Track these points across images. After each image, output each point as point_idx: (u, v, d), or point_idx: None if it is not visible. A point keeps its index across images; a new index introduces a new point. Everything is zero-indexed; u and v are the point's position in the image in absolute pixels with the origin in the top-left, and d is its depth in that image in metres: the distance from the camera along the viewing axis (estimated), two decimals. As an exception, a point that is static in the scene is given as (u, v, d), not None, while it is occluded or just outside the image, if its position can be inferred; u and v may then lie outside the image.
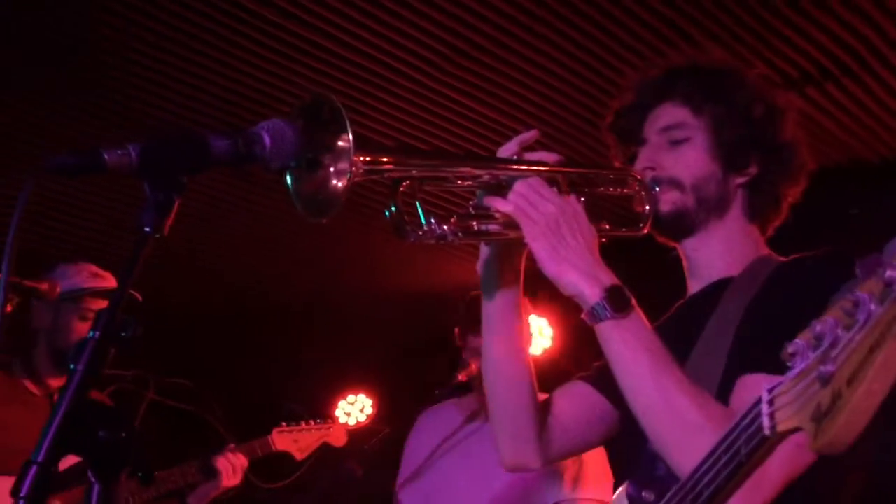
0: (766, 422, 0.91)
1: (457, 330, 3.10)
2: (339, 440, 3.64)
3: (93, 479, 1.09)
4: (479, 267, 1.59)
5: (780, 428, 0.89)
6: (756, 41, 3.12)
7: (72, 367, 1.08)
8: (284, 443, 3.47)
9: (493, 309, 1.58)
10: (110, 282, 2.91)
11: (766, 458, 0.95)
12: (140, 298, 2.83)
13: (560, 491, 2.88)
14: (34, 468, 1.01)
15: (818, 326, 0.82)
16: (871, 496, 1.38)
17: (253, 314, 5.45)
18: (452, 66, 3.32)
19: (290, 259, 4.94)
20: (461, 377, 3.03)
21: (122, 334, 1.12)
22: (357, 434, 5.42)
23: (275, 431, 3.48)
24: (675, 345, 1.41)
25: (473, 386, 3.04)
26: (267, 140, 1.24)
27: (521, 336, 1.59)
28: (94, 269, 2.92)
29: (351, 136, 1.24)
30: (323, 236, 4.61)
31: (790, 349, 0.86)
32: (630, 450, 1.51)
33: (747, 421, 0.94)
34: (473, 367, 3.03)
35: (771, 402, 0.90)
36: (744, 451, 0.95)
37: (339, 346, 5.51)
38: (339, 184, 1.26)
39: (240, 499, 3.61)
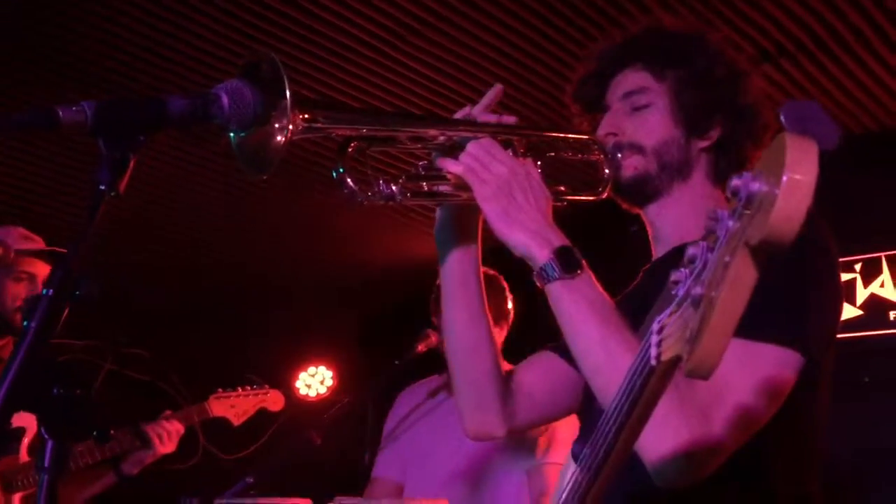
0: (653, 351, 0.91)
1: (432, 307, 3.11)
2: (275, 405, 3.64)
3: (46, 436, 1.09)
4: (435, 231, 1.59)
5: (664, 356, 0.89)
6: (730, 11, 3.12)
7: (25, 323, 1.07)
8: (221, 408, 3.46)
9: (450, 274, 1.58)
10: (40, 244, 2.88)
11: (661, 390, 0.95)
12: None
13: (533, 457, 2.92)
14: (-14, 425, 1.01)
15: (691, 250, 0.83)
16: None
17: (213, 285, 5.42)
18: (415, 37, 3.30)
19: (250, 230, 4.91)
20: (420, 348, 3.05)
21: (77, 293, 1.12)
22: (317, 406, 5.46)
23: (211, 398, 3.46)
24: (634, 310, 1.41)
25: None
26: (225, 101, 1.24)
27: (481, 302, 1.59)
28: (23, 231, 2.88)
29: (288, 92, 1.23)
30: (285, 206, 4.59)
31: (674, 277, 0.86)
32: (582, 412, 1.53)
33: (642, 353, 0.95)
34: (433, 338, 3.06)
35: (659, 332, 0.91)
36: (638, 383, 0.95)
37: (300, 318, 5.50)
38: (279, 140, 1.26)
39: (200, 468, 3.61)
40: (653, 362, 0.91)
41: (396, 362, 3.07)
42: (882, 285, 4.11)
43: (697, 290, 0.80)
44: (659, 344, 0.90)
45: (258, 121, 1.26)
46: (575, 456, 1.34)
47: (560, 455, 2.88)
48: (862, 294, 4.13)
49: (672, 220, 1.55)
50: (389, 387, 3.22)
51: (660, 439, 1.15)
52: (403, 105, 3.71)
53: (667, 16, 1.65)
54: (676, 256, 1.48)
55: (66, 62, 3.42)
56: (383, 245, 5.11)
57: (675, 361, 0.88)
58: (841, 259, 1.40)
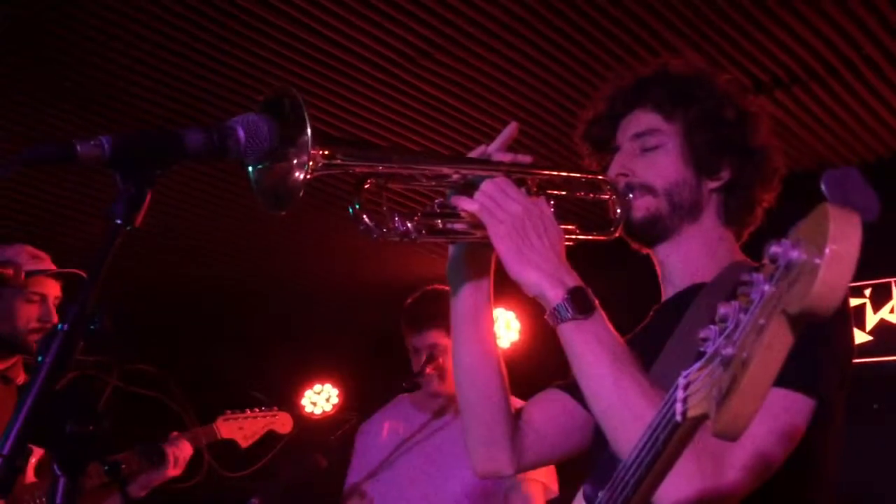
0: (678, 407, 0.91)
1: (403, 327, 3.11)
2: (284, 427, 3.64)
3: (58, 473, 1.08)
4: (447, 268, 1.59)
5: (691, 413, 0.89)
6: (728, 45, 3.15)
7: (39, 359, 1.07)
8: (230, 430, 3.45)
9: (461, 311, 1.58)
10: (49, 264, 2.88)
11: (684, 445, 0.94)
12: (85, 276, 2.80)
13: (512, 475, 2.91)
14: (-1, 460, 1.00)
15: (722, 309, 0.83)
16: None
17: (219, 302, 5.42)
18: (428, 61, 3.31)
19: (258, 248, 4.92)
20: (429, 370, 3.04)
21: (91, 327, 1.12)
22: (323, 424, 5.44)
23: (220, 419, 3.46)
24: (644, 351, 1.41)
25: (423, 383, 3.06)
26: (241, 134, 1.24)
27: (492, 338, 1.58)
28: (31, 250, 2.88)
29: (309, 130, 1.23)
30: (293, 226, 4.60)
31: (702, 334, 0.86)
32: (593, 452, 1.52)
33: (666, 407, 0.94)
34: (441, 360, 3.05)
35: (685, 388, 0.91)
36: (661, 437, 0.95)
37: (307, 336, 5.50)
38: (298, 177, 1.26)
39: (202, 487, 3.60)
40: (678, 418, 0.90)
41: (404, 384, 3.06)
42: (892, 311, 4.09)
43: (729, 351, 0.80)
44: (685, 400, 0.90)
45: (274, 155, 1.26)
46: (587, 498, 1.33)
47: (538, 472, 2.87)
48: (872, 320, 4.11)
49: (682, 260, 1.55)
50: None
51: (673, 486, 1.14)
52: (412, 126, 3.72)
53: (680, 50, 1.65)
54: (687, 298, 1.51)
55: (89, 95, 3.44)
56: (390, 263, 5.12)
57: (701, 419, 0.87)
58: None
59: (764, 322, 0.77)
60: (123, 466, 2.92)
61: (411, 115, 3.66)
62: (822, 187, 0.81)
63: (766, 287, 0.77)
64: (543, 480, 2.92)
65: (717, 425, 0.79)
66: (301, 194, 1.27)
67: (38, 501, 2.79)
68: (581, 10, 3.00)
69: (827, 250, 0.72)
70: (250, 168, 1.29)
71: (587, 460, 1.56)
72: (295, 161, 1.26)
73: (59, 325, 1.08)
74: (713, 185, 1.55)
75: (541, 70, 3.35)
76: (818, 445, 1.34)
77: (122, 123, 3.55)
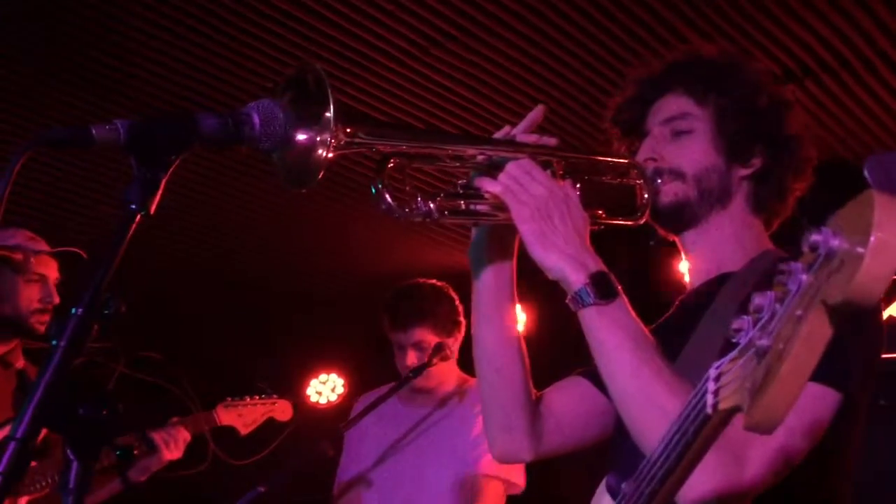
0: (709, 399, 0.89)
1: (385, 322, 3.11)
2: (284, 415, 3.64)
3: (71, 457, 1.08)
4: (469, 250, 1.57)
5: (722, 406, 0.87)
6: (740, 36, 3.12)
7: (53, 342, 1.07)
8: (229, 417, 3.45)
9: (483, 294, 1.56)
10: (45, 245, 2.87)
11: (714, 437, 0.93)
12: (85, 256, 2.81)
13: (466, 462, 2.93)
14: (13, 444, 1.00)
15: (757, 299, 0.81)
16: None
17: (224, 291, 5.42)
18: (440, 51, 3.29)
19: (264, 237, 4.91)
20: (435, 361, 3.05)
21: (105, 311, 1.12)
22: (328, 413, 5.45)
23: (220, 406, 3.46)
24: (669, 341, 1.39)
25: (402, 373, 3.06)
26: (256, 121, 1.24)
27: (514, 323, 1.56)
28: (28, 233, 2.87)
29: (332, 107, 1.23)
30: (301, 215, 4.59)
31: (735, 325, 0.84)
32: (615, 441, 1.50)
33: (696, 399, 0.93)
34: (448, 351, 3.05)
35: (717, 379, 0.89)
36: (691, 430, 0.93)
37: (312, 325, 5.49)
38: (321, 154, 1.25)
39: (208, 475, 3.60)
40: (709, 410, 0.89)
41: (410, 374, 3.06)
42: (900, 307, 4.07)
43: (764, 342, 0.78)
44: (716, 392, 0.88)
45: (288, 142, 1.25)
46: (611, 490, 1.32)
47: (501, 469, 2.86)
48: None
49: (709, 248, 1.53)
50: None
51: (695, 480, 1.13)
52: (424, 117, 3.70)
53: (698, 39, 1.64)
54: (715, 287, 1.49)
55: (108, 77, 3.42)
56: (396, 253, 5.10)
57: (733, 412, 0.86)
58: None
59: (802, 313, 0.74)
60: (136, 451, 2.93)
61: (423, 106, 3.64)
62: (865, 172, 0.80)
63: (804, 277, 0.75)
64: (504, 477, 2.92)
65: (751, 418, 0.77)
66: (322, 171, 1.26)
67: (38, 484, 2.79)
68: (597, 1, 2.98)
69: (872, 238, 0.69)
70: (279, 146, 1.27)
71: (609, 450, 1.54)
72: (318, 138, 1.25)
73: (73, 310, 1.08)
74: (744, 172, 1.53)
75: (555, 62, 3.33)
76: (842, 440, 1.33)
77: (133, 107, 3.54)
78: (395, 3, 3.04)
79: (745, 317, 0.83)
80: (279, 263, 5.19)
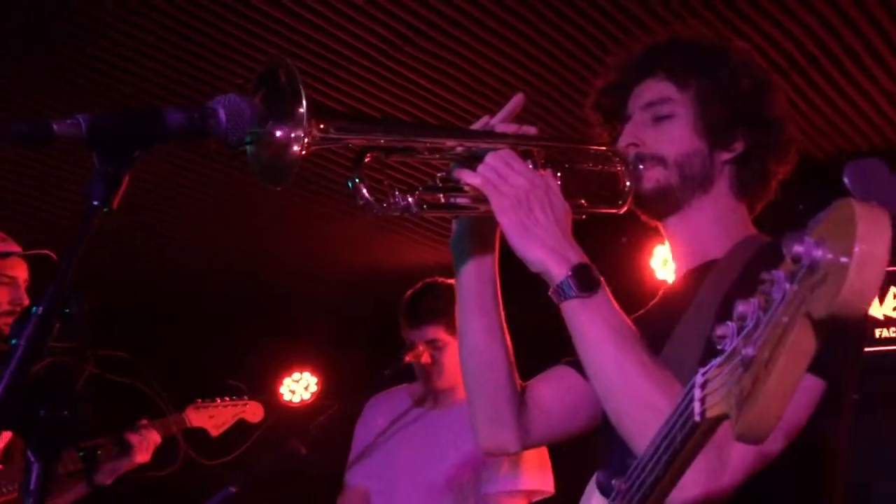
0: (696, 407, 0.88)
1: (401, 320, 3.08)
2: (255, 416, 3.62)
3: (33, 459, 1.06)
4: (451, 243, 1.55)
5: (710, 414, 0.86)
6: (744, 23, 3.09)
7: (13, 342, 1.04)
8: (200, 419, 3.43)
9: (466, 286, 1.54)
10: (15, 246, 2.82)
11: (702, 444, 0.92)
12: (55, 258, 2.76)
13: (496, 481, 2.86)
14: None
15: (741, 307, 0.80)
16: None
17: (196, 289, 5.36)
18: (409, 46, 3.27)
19: (236, 233, 4.87)
20: (408, 359, 3.02)
21: (67, 310, 1.09)
22: (302, 412, 5.41)
23: (190, 408, 3.44)
24: (654, 331, 1.38)
25: (417, 373, 3.04)
26: (223, 115, 1.22)
27: (498, 314, 1.55)
28: None
29: (304, 102, 1.21)
30: (272, 211, 4.55)
31: (719, 331, 0.83)
32: (605, 437, 1.47)
33: (683, 405, 0.92)
34: (421, 348, 3.03)
35: (703, 386, 0.88)
36: (679, 437, 0.92)
37: (285, 323, 5.45)
38: (294, 151, 1.23)
39: (179, 476, 3.56)
40: (696, 418, 0.88)
41: (386, 372, 3.04)
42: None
43: (749, 351, 0.77)
44: (703, 400, 0.88)
45: (268, 130, 1.24)
46: (601, 487, 1.31)
47: (526, 482, 2.83)
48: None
49: (693, 233, 1.52)
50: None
51: (684, 484, 1.10)
52: (398, 114, 3.68)
53: (682, 26, 1.62)
54: (699, 275, 1.47)
55: (73, 71, 3.38)
56: (370, 251, 5.08)
57: (720, 419, 0.85)
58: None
59: (787, 322, 0.74)
60: (100, 452, 2.89)
61: (396, 103, 3.63)
62: (845, 180, 0.79)
63: (788, 286, 0.74)
64: (539, 489, 2.88)
65: (739, 428, 0.77)
66: (296, 168, 1.24)
67: (4, 489, 2.75)
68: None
69: (856, 250, 0.68)
70: (248, 142, 1.26)
71: (597, 444, 1.53)
72: (292, 134, 1.23)
73: (34, 309, 1.06)
74: (726, 156, 1.51)
75: (528, 59, 3.32)
76: (826, 432, 1.31)
77: (108, 105, 3.49)
78: (368, 1, 3.02)
79: (729, 323, 0.83)
80: (252, 260, 5.15)
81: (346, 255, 5.11)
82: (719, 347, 0.84)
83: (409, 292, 3.06)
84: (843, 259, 0.68)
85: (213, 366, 5.19)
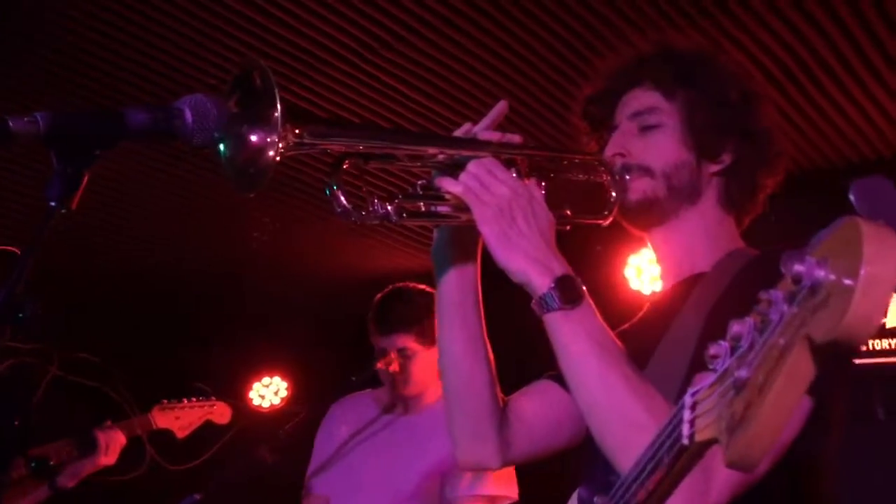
0: (685, 429, 0.85)
1: (370, 326, 3.04)
2: (222, 418, 3.56)
3: (-21, 469, 1.01)
4: (432, 252, 1.52)
5: (699, 437, 0.83)
6: (724, 38, 3.08)
7: (-39, 348, 1.00)
8: (165, 420, 3.37)
9: (447, 297, 1.51)
10: None
11: (690, 468, 0.89)
12: (18, 252, 2.69)
13: (459, 487, 2.84)
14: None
15: (736, 327, 0.77)
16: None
17: (166, 289, 5.29)
18: (388, 50, 3.24)
19: (207, 235, 4.80)
20: (379, 365, 2.98)
21: (20, 315, 1.05)
22: (272, 418, 5.35)
23: (155, 408, 3.38)
24: (639, 345, 1.36)
25: (383, 379, 3.00)
26: (188, 116, 1.19)
27: (479, 326, 1.52)
28: None
29: (279, 106, 1.18)
30: (244, 211, 4.50)
31: (712, 350, 0.80)
32: (588, 453, 1.45)
33: (671, 427, 0.89)
34: (392, 355, 2.99)
35: (693, 408, 0.85)
36: (665, 459, 0.89)
37: (256, 327, 5.40)
38: (269, 156, 1.20)
39: (144, 480, 3.50)
40: (685, 441, 0.85)
41: (353, 378, 3.00)
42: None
43: (743, 374, 0.74)
44: (692, 422, 0.84)
45: (227, 136, 1.20)
46: (582, 502, 1.29)
47: (489, 487, 2.81)
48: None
49: (680, 246, 1.50)
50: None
51: None
52: (375, 120, 3.65)
53: (668, 34, 1.61)
54: (685, 288, 1.45)
55: (39, 67, 3.31)
56: (344, 255, 5.04)
57: (710, 443, 0.82)
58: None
59: (784, 345, 0.70)
60: (52, 462, 2.82)
61: (373, 108, 3.58)
62: (851, 197, 0.76)
63: (786, 307, 0.70)
64: (502, 494, 2.86)
65: (730, 455, 0.74)
66: (271, 174, 1.21)
67: None
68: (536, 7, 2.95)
69: (862, 272, 0.64)
70: (221, 146, 1.23)
71: (579, 459, 1.50)
72: (267, 139, 1.20)
73: (-16, 313, 1.02)
74: (714, 168, 1.50)
75: (506, 66, 3.30)
76: (815, 451, 1.29)
77: (76, 103, 3.43)
78: (346, 4, 2.98)
79: (722, 342, 0.80)
80: (224, 262, 5.09)
81: (320, 258, 5.07)
82: (711, 367, 0.81)
83: (378, 298, 3.02)
84: (847, 281, 0.65)
85: (181, 369, 5.13)
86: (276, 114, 1.18)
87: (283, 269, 5.16)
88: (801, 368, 0.70)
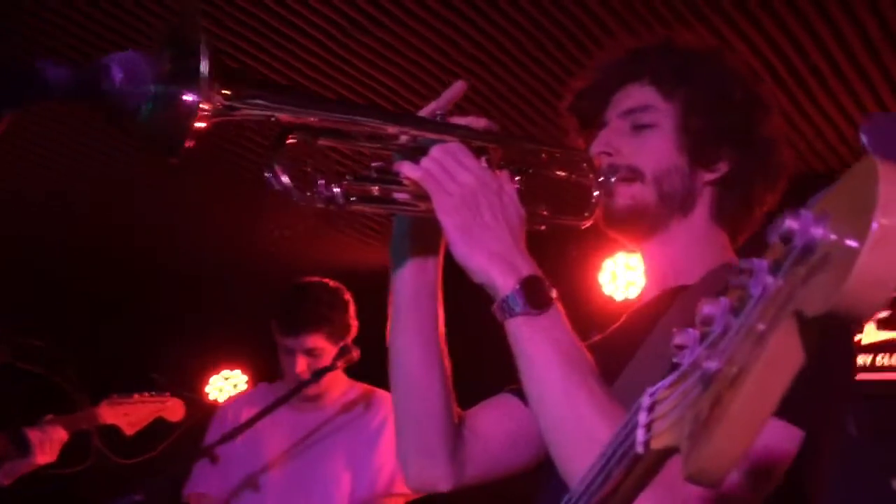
0: (639, 435, 0.71)
1: (274, 325, 2.91)
2: (175, 415, 3.39)
3: None
4: (390, 245, 1.39)
5: (655, 444, 0.70)
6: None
7: None
8: (113, 415, 3.20)
9: (401, 293, 1.37)
10: None
11: (644, 482, 0.76)
12: None
13: (373, 487, 2.76)
14: None
15: (707, 308, 0.64)
16: None
17: (122, 275, 5.13)
18: (361, 33, 3.11)
19: (167, 220, 4.65)
20: (339, 365, 2.87)
21: None
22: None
23: (104, 403, 3.21)
24: (611, 358, 1.25)
25: (285, 373, 2.87)
26: (117, 74, 1.04)
27: (436, 331, 1.38)
28: None
29: (206, 63, 1.04)
30: (207, 194, 4.36)
31: (678, 339, 0.67)
32: (546, 472, 1.32)
33: (624, 433, 0.76)
34: (354, 353, 2.88)
35: (650, 409, 0.72)
36: (616, 471, 0.76)
37: (217, 318, 5.24)
38: (190, 121, 1.07)
39: (88, 474, 3.36)
40: (638, 449, 0.71)
41: (311, 377, 2.87)
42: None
43: (712, 364, 0.59)
44: (649, 426, 0.71)
45: (156, 99, 1.05)
46: None
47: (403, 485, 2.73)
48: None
49: (666, 259, 1.38)
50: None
51: None
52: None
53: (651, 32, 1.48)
54: (667, 300, 1.31)
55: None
56: (310, 248, 4.91)
57: (669, 452, 0.68)
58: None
59: (765, 328, 0.56)
60: None
61: (340, 92, 3.45)
62: (863, 137, 0.61)
63: (771, 279, 0.56)
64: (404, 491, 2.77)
65: (690, 465, 0.59)
66: (187, 139, 1.07)
67: None
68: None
69: (874, 224, 0.49)
70: (143, 107, 1.08)
71: (539, 477, 1.37)
72: (190, 99, 1.06)
73: None
74: (708, 177, 1.38)
75: (483, 54, 3.18)
76: (802, 482, 1.16)
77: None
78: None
79: (689, 330, 0.66)
80: (185, 249, 4.94)
81: (286, 249, 4.94)
82: (674, 360, 0.68)
83: (282, 295, 2.91)
84: (850, 242, 0.50)
85: (134, 358, 4.97)
86: (203, 70, 1.04)
87: (247, 260, 5.03)
88: (784, 355, 0.56)
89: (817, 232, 0.53)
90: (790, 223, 0.54)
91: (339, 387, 2.95)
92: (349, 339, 2.91)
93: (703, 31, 2.94)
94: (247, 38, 3.14)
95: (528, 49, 3.16)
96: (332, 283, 3.03)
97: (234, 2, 2.97)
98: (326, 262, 4.80)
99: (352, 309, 2.95)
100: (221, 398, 5.27)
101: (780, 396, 0.58)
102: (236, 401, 3.06)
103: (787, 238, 0.54)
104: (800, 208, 0.54)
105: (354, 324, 2.93)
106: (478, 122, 1.32)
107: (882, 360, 3.70)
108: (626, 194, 1.35)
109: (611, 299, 3.96)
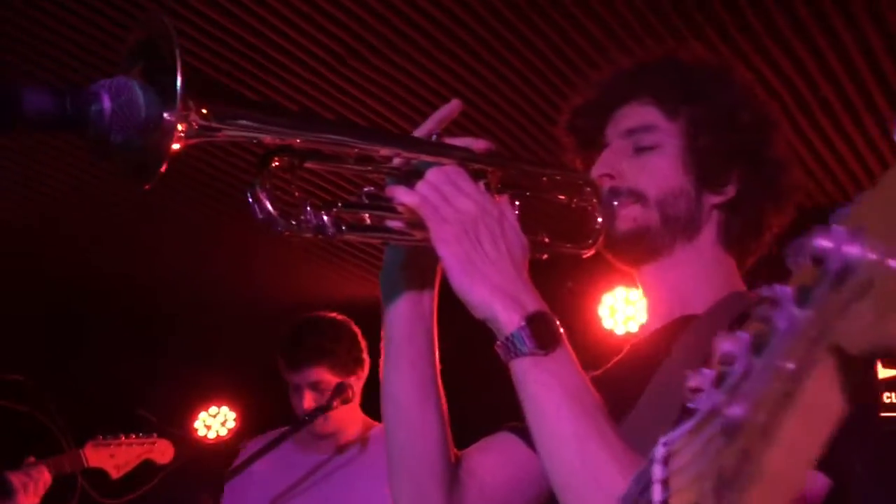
0: (656, 494, 0.63)
1: (280, 361, 2.82)
2: (163, 457, 3.29)
3: None
4: (381, 275, 1.29)
5: (675, 501, 0.61)
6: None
7: None
8: (99, 458, 3.11)
9: (395, 331, 1.27)
10: None
11: None
12: None
13: None
14: None
15: (725, 345, 0.55)
16: None
17: (109, 310, 5.03)
18: (356, 60, 3.08)
19: (157, 249, 4.57)
20: (335, 404, 2.77)
21: None
22: (216, 450, 5.07)
23: (89, 444, 3.12)
24: (616, 393, 1.17)
25: (298, 417, 2.77)
26: (107, 103, 0.95)
27: (432, 366, 1.29)
28: None
29: (179, 78, 0.95)
30: (196, 225, 4.29)
31: (693, 382, 0.59)
32: None
33: (638, 490, 0.67)
34: (349, 393, 2.79)
35: (666, 462, 0.63)
36: None
37: (205, 354, 5.16)
38: (165, 142, 0.97)
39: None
40: None
41: (306, 417, 2.77)
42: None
43: (735, 412, 0.50)
44: (666, 482, 0.62)
45: (148, 130, 0.96)
46: None
47: None
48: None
49: (671, 286, 1.30)
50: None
51: None
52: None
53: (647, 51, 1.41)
54: (675, 331, 1.22)
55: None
56: (301, 280, 4.83)
57: None
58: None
59: (796, 367, 0.47)
60: None
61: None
62: None
63: (799, 310, 0.47)
64: None
65: None
66: (162, 166, 0.97)
67: None
68: (514, 15, 2.80)
69: None
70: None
71: None
72: (164, 116, 0.96)
73: None
74: (715, 199, 1.31)
75: (476, 80, 3.15)
76: None
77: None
78: (313, 7, 2.81)
79: (705, 371, 0.58)
80: (171, 281, 4.86)
81: (276, 282, 4.87)
82: (690, 406, 0.59)
83: (288, 329, 2.82)
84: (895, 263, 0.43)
85: (122, 394, 4.86)
86: (177, 86, 0.94)
87: (235, 294, 4.96)
88: (824, 400, 0.48)
89: (853, 251, 0.44)
90: (821, 242, 0.45)
91: (355, 424, 2.83)
92: (360, 374, 2.80)
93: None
94: (241, 67, 3.09)
95: (526, 75, 3.13)
96: (338, 316, 2.95)
97: (229, 29, 2.93)
98: (317, 296, 4.73)
99: (361, 343, 2.84)
100: (210, 435, 5.16)
101: (819, 449, 0.49)
102: (254, 441, 2.90)
103: (818, 259, 0.46)
104: (828, 228, 0.46)
105: (365, 358, 2.82)
106: (477, 144, 1.24)
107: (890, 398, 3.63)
108: (629, 217, 1.29)
109: (611, 333, 3.88)
